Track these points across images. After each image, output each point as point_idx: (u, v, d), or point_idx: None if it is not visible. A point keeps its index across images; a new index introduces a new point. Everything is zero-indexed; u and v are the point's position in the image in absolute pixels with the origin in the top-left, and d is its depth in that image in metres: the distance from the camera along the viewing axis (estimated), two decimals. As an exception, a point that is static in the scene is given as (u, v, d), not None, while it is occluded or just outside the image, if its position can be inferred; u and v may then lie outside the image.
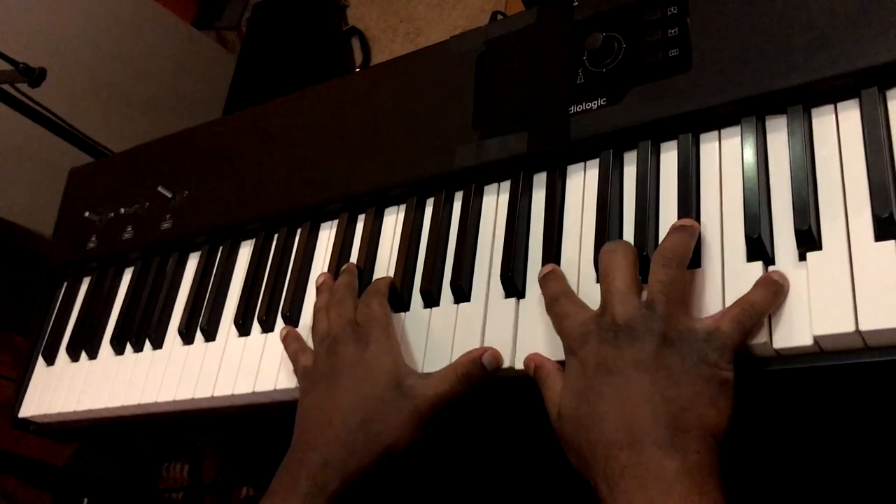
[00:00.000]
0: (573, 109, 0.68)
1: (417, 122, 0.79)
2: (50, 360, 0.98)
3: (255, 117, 0.94)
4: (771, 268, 0.55)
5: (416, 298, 0.72)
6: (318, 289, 0.77)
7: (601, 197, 0.65)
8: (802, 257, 0.54)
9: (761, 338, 0.53)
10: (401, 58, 0.85)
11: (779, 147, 0.59)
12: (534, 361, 0.61)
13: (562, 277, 0.63)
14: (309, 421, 0.66)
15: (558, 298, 0.61)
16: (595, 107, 0.67)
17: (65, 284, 1.05)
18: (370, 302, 0.70)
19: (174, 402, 0.83)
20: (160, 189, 0.95)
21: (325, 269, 0.80)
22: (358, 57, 2.20)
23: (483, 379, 0.64)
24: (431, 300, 0.71)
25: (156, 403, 0.84)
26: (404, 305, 0.72)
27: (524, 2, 0.97)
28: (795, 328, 0.52)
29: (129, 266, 0.99)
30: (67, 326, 1.00)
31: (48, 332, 1.01)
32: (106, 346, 0.93)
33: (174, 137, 1.02)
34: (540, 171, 0.71)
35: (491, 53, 0.76)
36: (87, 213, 1.02)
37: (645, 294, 0.56)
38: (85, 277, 1.03)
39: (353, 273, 0.75)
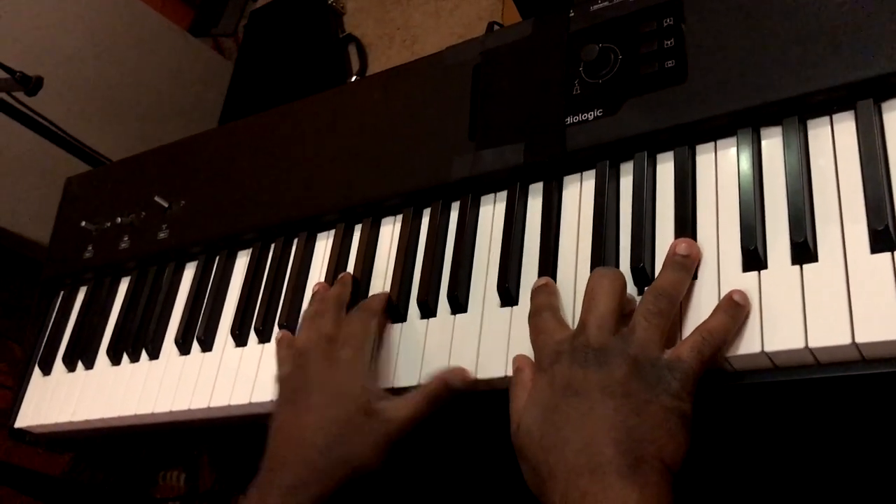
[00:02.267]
0: (569, 120, 0.68)
1: (414, 133, 0.79)
2: (46, 371, 0.98)
3: (252, 127, 0.94)
4: (734, 286, 0.55)
5: (413, 309, 0.72)
6: (311, 297, 0.77)
7: (597, 208, 0.66)
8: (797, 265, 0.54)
9: (756, 348, 0.53)
10: (397, 68, 0.85)
11: (774, 158, 0.59)
12: (517, 363, 0.61)
13: (553, 292, 0.63)
14: (280, 437, 0.66)
15: (542, 311, 0.61)
16: (591, 118, 0.67)
17: (61, 294, 1.04)
18: (353, 319, 0.70)
19: (171, 412, 0.82)
20: (157, 199, 0.95)
21: (322, 279, 0.80)
22: (355, 64, 2.20)
23: (451, 397, 0.64)
24: (428, 311, 0.71)
25: (152, 414, 0.84)
26: (401, 316, 0.72)
27: (520, 12, 0.98)
28: (791, 339, 0.52)
29: (125, 276, 0.99)
30: (64, 336, 0.99)
31: (44, 343, 1.00)
32: (102, 357, 0.93)
33: (171, 147, 1.02)
34: (536, 181, 0.71)
35: (487, 64, 0.77)
36: (83, 223, 1.02)
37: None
38: (81, 287, 1.03)
39: (345, 284, 0.75)
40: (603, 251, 0.63)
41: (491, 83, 0.75)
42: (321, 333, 0.70)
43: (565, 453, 0.52)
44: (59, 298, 1.04)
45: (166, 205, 0.95)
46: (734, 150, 0.62)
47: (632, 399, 0.52)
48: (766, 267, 0.56)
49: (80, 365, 0.95)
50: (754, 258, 0.56)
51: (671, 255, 0.58)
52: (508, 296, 0.66)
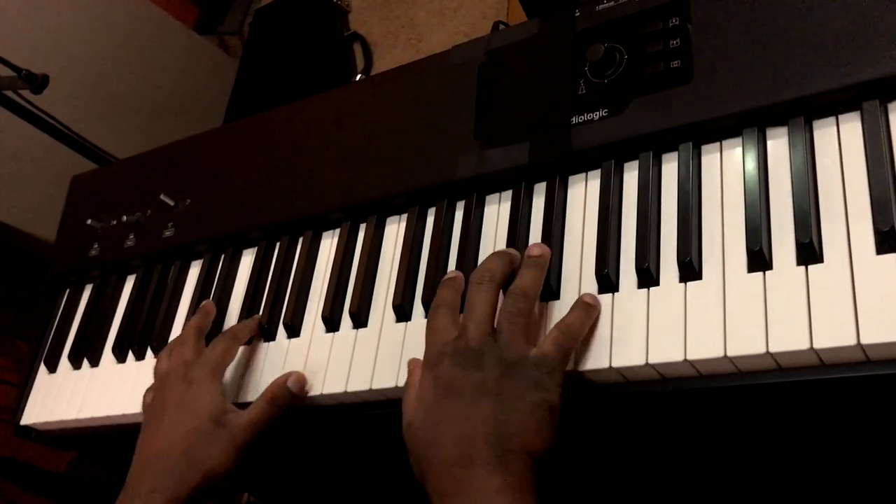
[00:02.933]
0: (575, 120, 0.68)
1: (419, 132, 0.79)
2: (52, 368, 0.98)
3: (258, 126, 0.94)
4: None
5: (419, 308, 0.72)
6: (197, 311, 0.83)
7: (602, 207, 0.66)
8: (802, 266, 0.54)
9: (761, 349, 0.53)
10: (402, 67, 0.85)
11: (780, 159, 0.59)
12: (410, 366, 0.66)
13: (458, 288, 0.66)
14: (141, 455, 0.73)
15: (439, 308, 0.65)
16: (597, 117, 0.67)
17: (67, 292, 1.05)
18: (217, 342, 0.77)
19: (176, 410, 0.83)
20: (162, 197, 0.95)
21: (327, 278, 0.80)
22: (360, 62, 2.20)
23: (292, 401, 0.73)
24: (433, 310, 0.71)
25: (157, 412, 0.84)
26: (406, 316, 0.72)
27: (526, 11, 0.98)
28: (796, 341, 0.52)
29: (130, 274, 0.99)
30: (69, 334, 1.00)
31: (50, 340, 1.01)
32: (108, 354, 0.93)
33: (176, 145, 1.02)
34: (541, 181, 0.71)
35: (493, 63, 0.77)
36: (89, 221, 1.02)
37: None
38: (87, 285, 1.03)
39: (205, 314, 0.82)
40: (607, 251, 0.63)
41: (496, 82, 0.75)
42: (181, 360, 0.77)
43: (442, 447, 0.57)
44: (65, 296, 1.04)
45: (172, 203, 0.95)
46: (740, 150, 0.61)
47: (503, 397, 0.57)
48: (771, 268, 0.56)
49: (85, 362, 0.95)
50: (759, 259, 0.56)
51: (527, 257, 0.64)
52: (513, 295, 0.66)
